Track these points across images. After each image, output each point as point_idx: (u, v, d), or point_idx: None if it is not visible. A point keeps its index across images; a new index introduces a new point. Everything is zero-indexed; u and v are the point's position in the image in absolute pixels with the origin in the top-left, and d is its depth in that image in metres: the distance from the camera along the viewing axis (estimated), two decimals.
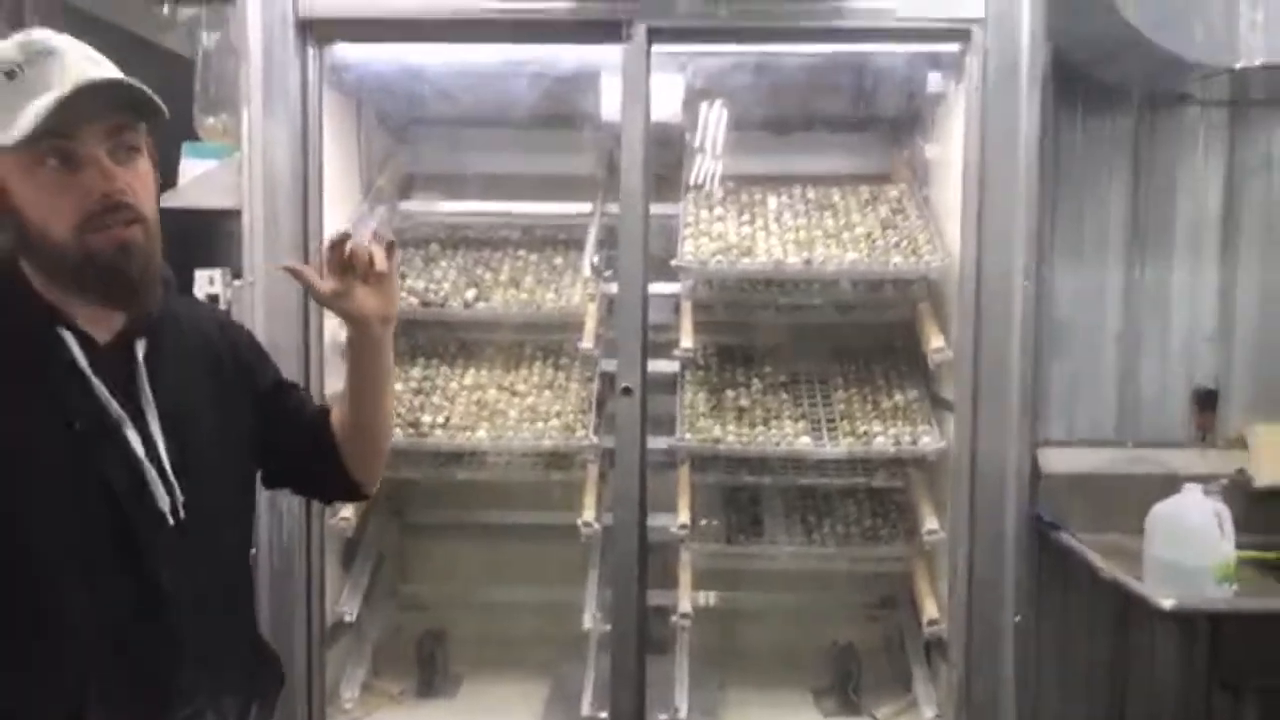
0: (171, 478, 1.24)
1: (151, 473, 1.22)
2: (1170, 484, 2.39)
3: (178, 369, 1.31)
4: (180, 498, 1.25)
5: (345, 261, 1.38)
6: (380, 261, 1.39)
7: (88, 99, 1.14)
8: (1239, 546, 2.42)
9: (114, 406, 1.21)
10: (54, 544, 1.17)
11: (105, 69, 1.20)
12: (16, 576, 1.15)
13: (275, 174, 2.23)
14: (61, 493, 1.17)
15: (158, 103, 1.20)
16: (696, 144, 2.78)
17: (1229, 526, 2.33)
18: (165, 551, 1.23)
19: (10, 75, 1.14)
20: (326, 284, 1.40)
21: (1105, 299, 2.86)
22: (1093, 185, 2.83)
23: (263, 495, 2.16)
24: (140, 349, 1.26)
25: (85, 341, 1.21)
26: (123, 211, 1.18)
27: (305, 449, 1.51)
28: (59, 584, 1.16)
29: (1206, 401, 2.84)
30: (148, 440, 1.24)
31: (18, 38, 1.18)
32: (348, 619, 2.50)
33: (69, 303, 1.21)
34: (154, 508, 1.23)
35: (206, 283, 2.31)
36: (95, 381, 1.20)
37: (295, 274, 1.43)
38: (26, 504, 1.15)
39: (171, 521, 1.24)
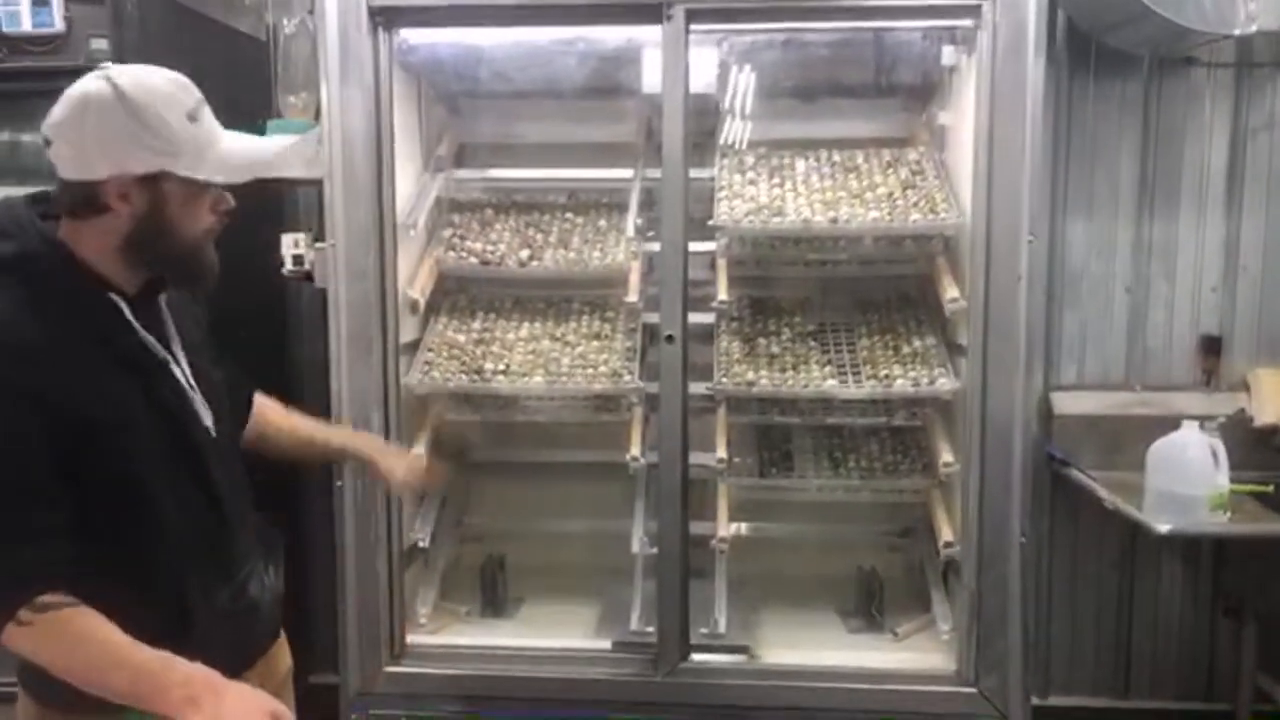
0: (203, 398, 1.52)
1: (195, 397, 1.51)
2: (1175, 424, 2.47)
3: (180, 313, 1.57)
4: (212, 413, 1.53)
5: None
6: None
7: None
8: (1241, 481, 2.52)
9: (158, 349, 1.47)
10: (145, 463, 1.42)
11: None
12: (124, 492, 1.41)
13: (352, 146, 2.35)
14: (141, 422, 1.42)
15: None
16: (730, 112, 2.82)
17: (1224, 460, 2.42)
18: (212, 455, 1.52)
19: (192, 119, 1.39)
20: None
21: (1115, 251, 2.94)
22: (1104, 144, 2.89)
23: None
24: (163, 301, 1.53)
25: (124, 299, 1.45)
26: (225, 221, 1.49)
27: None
28: (154, 492, 1.43)
29: (1211, 347, 2.92)
30: (181, 371, 1.51)
31: (169, 82, 1.40)
32: (421, 544, 2.65)
33: (118, 272, 1.43)
34: (200, 423, 1.51)
35: (291, 245, 2.43)
36: (141, 332, 1.45)
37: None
38: (123, 436, 1.40)
39: (213, 434, 1.53)
